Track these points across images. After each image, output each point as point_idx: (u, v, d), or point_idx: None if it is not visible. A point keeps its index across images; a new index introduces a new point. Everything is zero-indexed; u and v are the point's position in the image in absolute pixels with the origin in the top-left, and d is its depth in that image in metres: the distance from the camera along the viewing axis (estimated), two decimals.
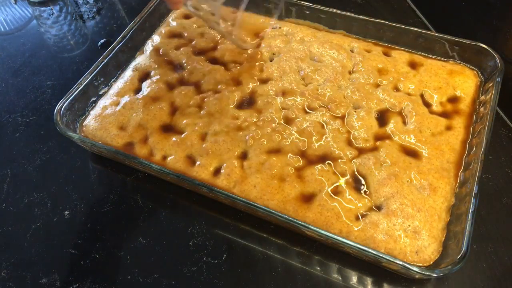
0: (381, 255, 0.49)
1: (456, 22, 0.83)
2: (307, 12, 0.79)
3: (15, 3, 1.01)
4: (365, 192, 0.58)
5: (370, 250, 0.50)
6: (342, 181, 0.59)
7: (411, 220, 0.55)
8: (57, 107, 0.65)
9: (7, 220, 0.64)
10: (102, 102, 0.70)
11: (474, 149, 0.60)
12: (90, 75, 0.70)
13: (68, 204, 0.65)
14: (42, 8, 0.97)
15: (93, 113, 0.69)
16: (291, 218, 0.53)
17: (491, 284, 0.56)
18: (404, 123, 0.65)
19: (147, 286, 0.57)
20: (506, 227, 0.60)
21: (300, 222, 0.52)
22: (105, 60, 0.72)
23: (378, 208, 0.57)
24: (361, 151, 0.62)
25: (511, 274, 0.56)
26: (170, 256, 0.59)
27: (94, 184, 0.67)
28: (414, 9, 0.93)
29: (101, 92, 0.73)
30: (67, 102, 0.66)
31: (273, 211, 0.54)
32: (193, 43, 0.78)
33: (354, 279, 0.56)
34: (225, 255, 0.59)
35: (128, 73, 0.74)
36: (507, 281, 0.56)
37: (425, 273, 0.49)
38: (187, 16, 0.83)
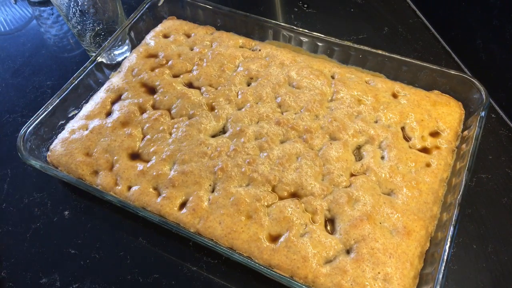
0: None
1: (456, 22, 0.81)
2: (290, 34, 0.76)
3: (15, 3, 1.00)
4: (335, 233, 0.55)
5: None
6: (311, 220, 0.56)
7: (381, 267, 0.52)
8: (21, 132, 0.63)
9: (7, 220, 0.64)
10: (71, 126, 0.68)
11: (452, 190, 0.57)
12: (58, 98, 0.67)
13: (68, 204, 0.65)
14: (42, 8, 0.97)
15: (60, 137, 0.67)
16: (252, 264, 0.50)
17: (491, 284, 0.55)
18: (382, 157, 0.62)
19: (147, 286, 0.57)
20: (506, 227, 0.60)
21: (263, 270, 0.50)
22: (76, 82, 0.69)
23: (348, 251, 0.54)
24: (334, 187, 0.59)
25: (511, 274, 0.56)
26: (170, 256, 0.59)
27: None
28: (414, 9, 0.91)
29: (70, 115, 0.70)
30: (31, 127, 0.64)
31: (235, 254, 0.51)
32: (169, 64, 0.75)
33: None
34: None
35: (100, 95, 0.72)
36: (507, 281, 0.55)
37: None
38: (165, 35, 0.81)
